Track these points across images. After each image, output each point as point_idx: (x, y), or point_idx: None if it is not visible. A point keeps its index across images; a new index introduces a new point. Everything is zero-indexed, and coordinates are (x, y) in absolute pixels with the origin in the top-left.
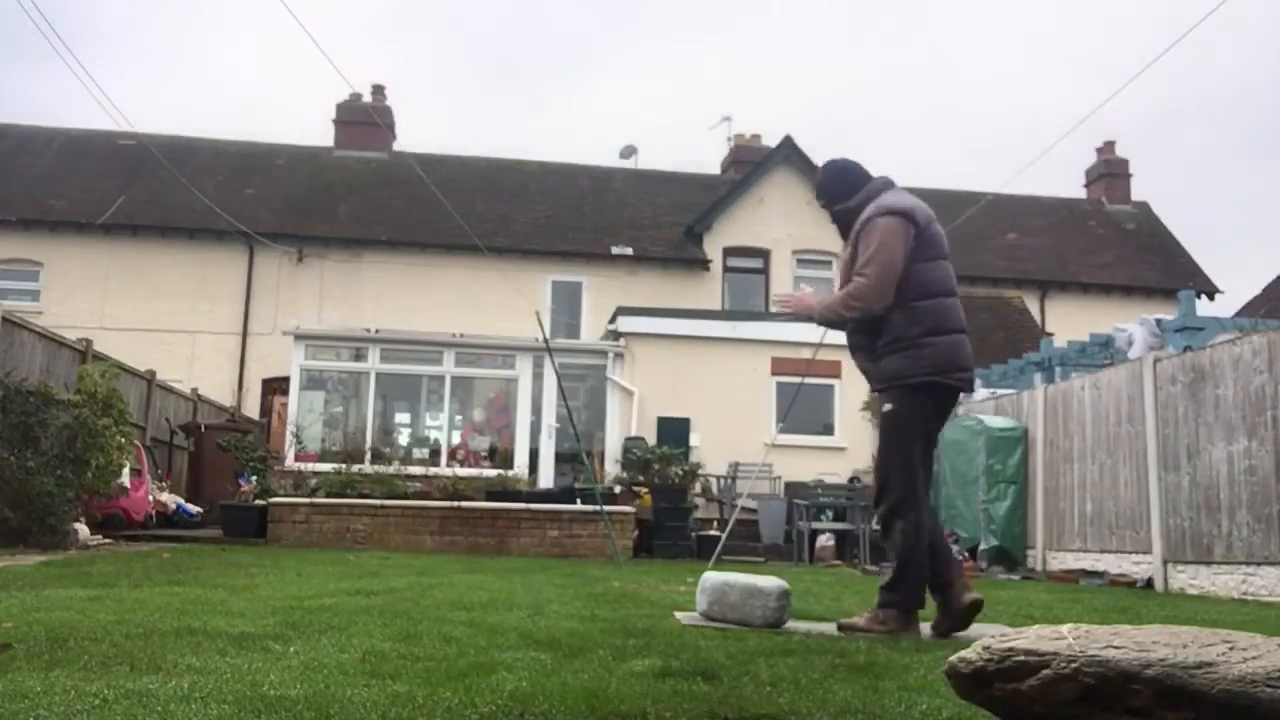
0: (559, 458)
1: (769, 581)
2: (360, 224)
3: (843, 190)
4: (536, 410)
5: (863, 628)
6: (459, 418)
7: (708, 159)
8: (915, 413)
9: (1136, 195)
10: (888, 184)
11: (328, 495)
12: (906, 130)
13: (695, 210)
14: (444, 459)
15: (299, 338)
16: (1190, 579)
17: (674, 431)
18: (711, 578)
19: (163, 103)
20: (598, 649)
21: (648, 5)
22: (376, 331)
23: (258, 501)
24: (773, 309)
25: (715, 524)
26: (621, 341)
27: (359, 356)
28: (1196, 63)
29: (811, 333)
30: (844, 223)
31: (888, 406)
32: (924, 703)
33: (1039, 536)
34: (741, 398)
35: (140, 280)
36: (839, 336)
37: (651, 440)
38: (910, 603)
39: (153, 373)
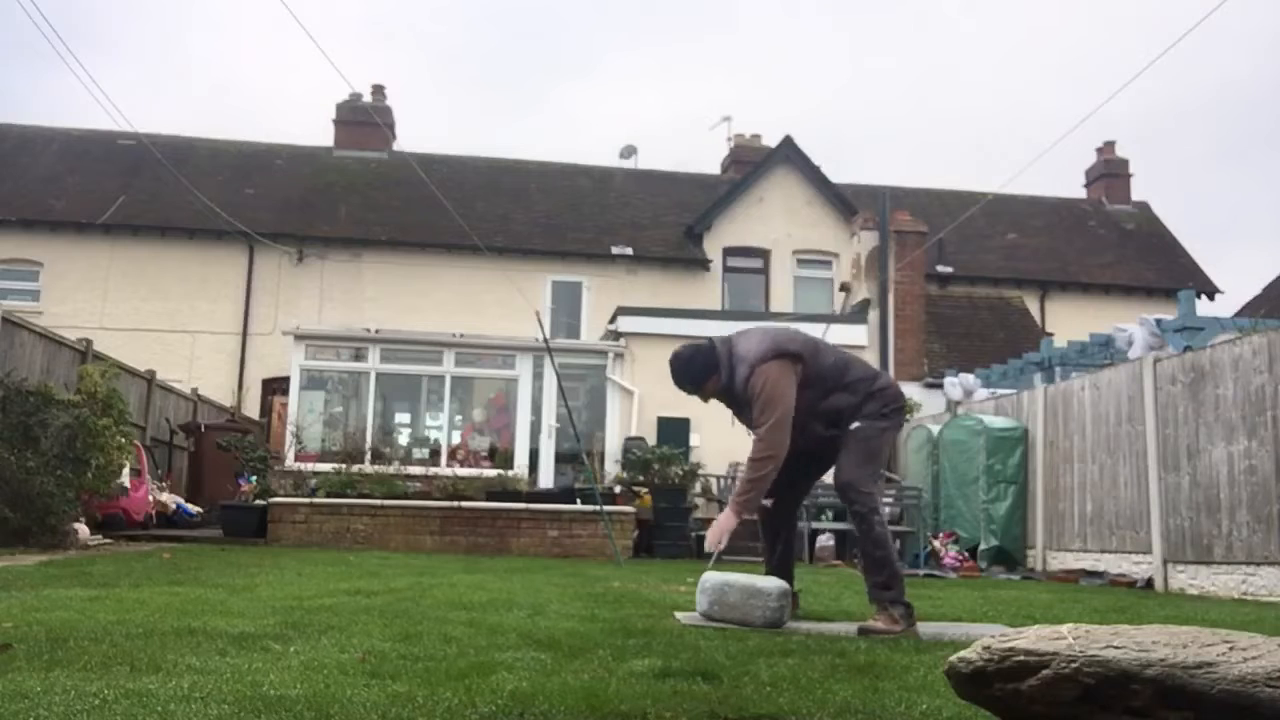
0: (559, 458)
1: (769, 582)
2: (360, 224)
3: (705, 370)
4: (536, 410)
5: (883, 630)
6: (459, 418)
7: (708, 159)
8: (886, 430)
9: (1136, 195)
10: (729, 339)
11: (328, 495)
12: (907, 131)
13: (695, 210)
14: (444, 459)
15: (299, 338)
16: (1190, 579)
17: (674, 431)
18: (711, 578)
19: (163, 103)
20: (598, 649)
21: (647, 6)
22: (376, 331)
23: (258, 501)
24: (709, 550)
25: None
26: (621, 341)
27: (359, 356)
28: (1197, 63)
29: (812, 332)
30: (728, 396)
31: (857, 425)
32: (924, 703)
33: (1039, 536)
34: None
35: (140, 280)
36: (839, 337)
37: (651, 440)
38: (904, 594)
39: (153, 373)
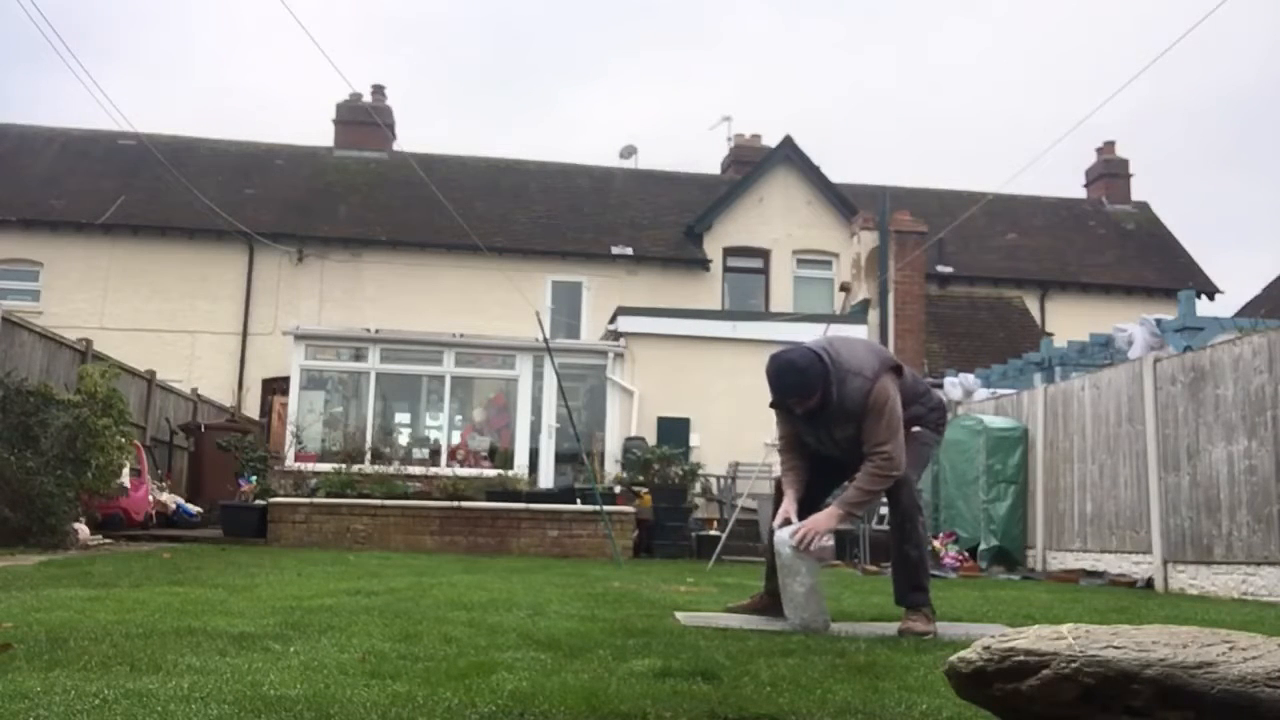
0: (559, 458)
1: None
2: (360, 224)
3: (820, 379)
4: (536, 410)
5: (924, 630)
6: (459, 418)
7: (708, 159)
8: (937, 443)
9: (1136, 195)
10: (828, 344)
11: (328, 495)
12: (907, 130)
13: (695, 210)
14: (444, 459)
15: (299, 338)
16: (1190, 579)
17: (674, 431)
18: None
19: (163, 103)
20: (598, 649)
21: (647, 8)
22: (376, 331)
23: (258, 501)
24: (787, 552)
25: (715, 524)
26: (621, 341)
27: (359, 356)
28: (1198, 63)
29: (812, 332)
30: (827, 409)
31: (918, 429)
32: (924, 703)
33: (1039, 536)
34: (741, 398)
35: (140, 280)
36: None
37: (651, 440)
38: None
39: (153, 373)
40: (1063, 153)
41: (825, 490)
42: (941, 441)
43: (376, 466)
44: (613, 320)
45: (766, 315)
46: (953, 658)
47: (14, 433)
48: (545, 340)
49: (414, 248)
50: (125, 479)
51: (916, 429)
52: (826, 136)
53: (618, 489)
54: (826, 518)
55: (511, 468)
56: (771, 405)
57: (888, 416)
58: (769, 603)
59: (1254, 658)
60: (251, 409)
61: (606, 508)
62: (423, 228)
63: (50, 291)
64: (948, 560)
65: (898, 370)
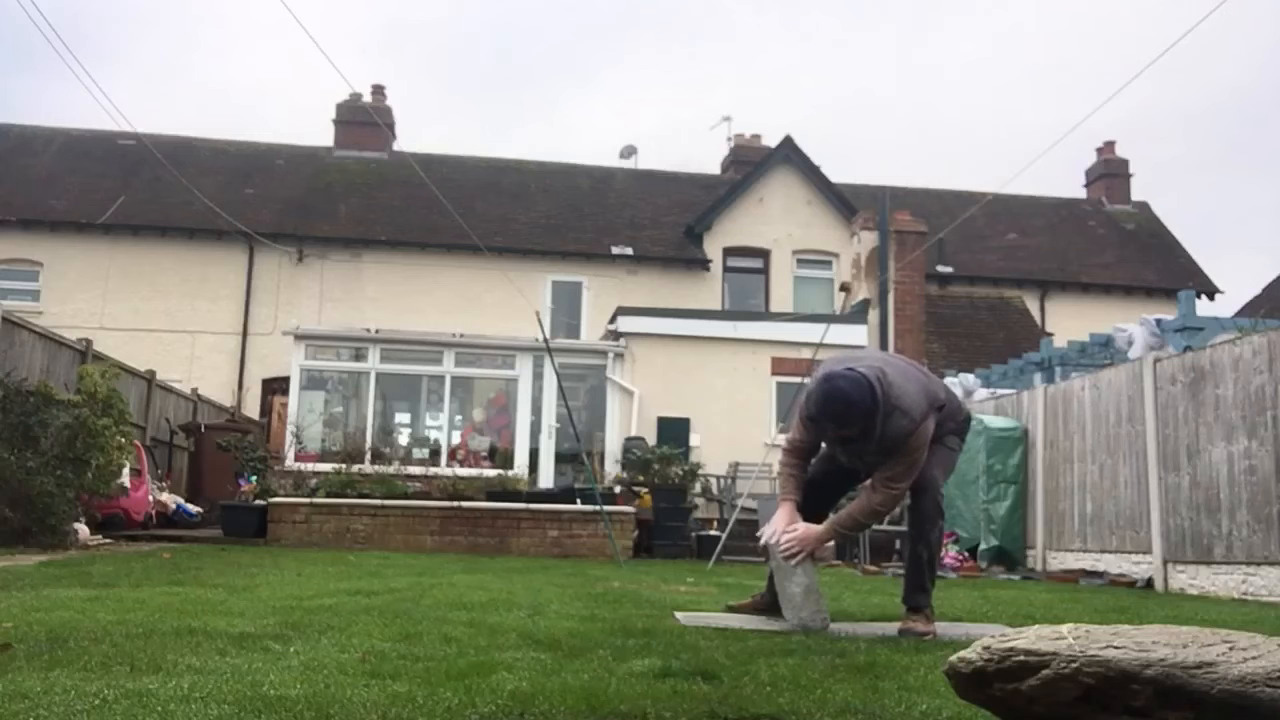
0: (559, 458)
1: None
2: (360, 224)
3: (867, 416)
4: (536, 410)
5: (924, 630)
6: (459, 418)
7: (708, 160)
8: (959, 452)
9: (1136, 195)
10: (880, 375)
11: (328, 495)
12: (907, 131)
13: (695, 210)
14: (444, 459)
15: (299, 338)
16: (1190, 579)
17: (674, 431)
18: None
19: (163, 103)
20: (598, 649)
21: (647, 9)
22: (376, 331)
23: (258, 501)
24: (781, 556)
25: (715, 524)
26: (621, 341)
27: (359, 356)
28: (1199, 64)
29: (812, 332)
30: (865, 440)
31: (949, 436)
32: (924, 703)
33: (1039, 536)
34: (741, 398)
35: (140, 280)
36: (839, 337)
37: (651, 440)
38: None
39: (153, 373)
40: (1063, 153)
41: (840, 491)
42: (964, 446)
43: (376, 466)
44: (613, 320)
45: (766, 315)
46: (953, 658)
47: (14, 433)
48: (545, 340)
49: (414, 248)
50: (125, 479)
51: (947, 436)
52: (826, 136)
53: (618, 489)
54: (815, 537)
55: (511, 468)
56: (808, 419)
57: (913, 458)
58: (770, 602)
59: (1254, 658)
60: (251, 409)
61: (606, 508)
62: (422, 228)
63: (50, 291)
64: (948, 560)
65: (941, 407)
